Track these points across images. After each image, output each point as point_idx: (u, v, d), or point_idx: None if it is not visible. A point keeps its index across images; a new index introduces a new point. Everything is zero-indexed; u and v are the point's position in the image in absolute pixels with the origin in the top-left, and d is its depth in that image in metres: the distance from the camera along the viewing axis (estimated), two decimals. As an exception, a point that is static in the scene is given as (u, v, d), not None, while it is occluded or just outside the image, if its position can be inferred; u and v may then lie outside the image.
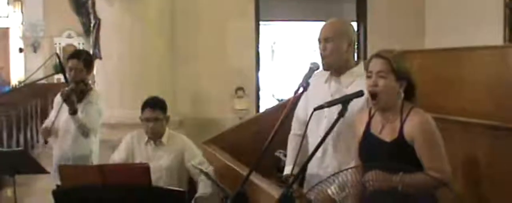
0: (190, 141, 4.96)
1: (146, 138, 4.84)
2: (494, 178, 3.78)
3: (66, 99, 4.89)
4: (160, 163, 4.73)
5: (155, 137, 4.80)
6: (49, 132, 5.10)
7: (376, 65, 3.11)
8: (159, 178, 4.65)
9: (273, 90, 14.40)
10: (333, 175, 2.80)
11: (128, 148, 4.87)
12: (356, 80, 3.51)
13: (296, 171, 3.46)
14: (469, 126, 4.06)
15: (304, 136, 3.42)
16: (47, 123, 5.23)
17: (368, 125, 3.21)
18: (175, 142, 4.86)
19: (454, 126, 4.04)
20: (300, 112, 3.80)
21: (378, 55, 3.14)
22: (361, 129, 3.25)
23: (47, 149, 5.16)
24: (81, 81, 5.10)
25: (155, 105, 4.80)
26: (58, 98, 5.20)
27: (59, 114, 5.10)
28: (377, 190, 2.89)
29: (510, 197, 3.68)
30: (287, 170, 3.79)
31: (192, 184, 4.84)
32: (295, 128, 3.89)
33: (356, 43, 3.73)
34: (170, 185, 4.50)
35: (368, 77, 3.13)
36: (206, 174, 4.25)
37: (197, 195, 4.65)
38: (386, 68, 3.07)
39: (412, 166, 2.98)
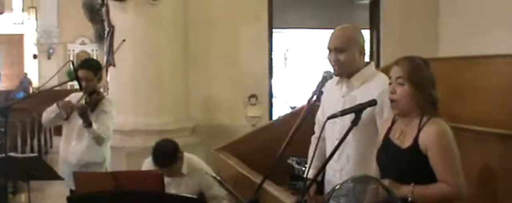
0: (208, 168, 4.91)
1: None
2: (509, 187, 3.76)
3: (82, 113, 4.90)
4: (178, 191, 4.72)
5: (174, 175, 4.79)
6: (72, 108, 5.00)
7: (395, 72, 3.12)
8: None
9: (286, 98, 14.39)
10: (342, 184, 2.78)
11: None
12: (367, 82, 3.54)
13: (312, 174, 3.54)
14: (483, 135, 4.04)
15: (319, 140, 3.50)
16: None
17: (389, 130, 3.22)
18: (194, 171, 4.79)
19: (468, 135, 4.03)
20: (319, 115, 3.83)
21: (396, 62, 3.15)
22: (383, 134, 3.25)
23: (56, 154, 5.12)
24: (93, 91, 5.12)
25: (164, 163, 4.63)
26: (69, 98, 5.21)
27: (72, 119, 5.12)
28: (387, 199, 2.87)
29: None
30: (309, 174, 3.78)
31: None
32: (316, 131, 3.91)
33: (368, 51, 3.74)
34: None
35: (390, 83, 3.15)
36: (220, 182, 4.25)
37: None
38: (404, 76, 3.08)
39: (426, 174, 2.98)
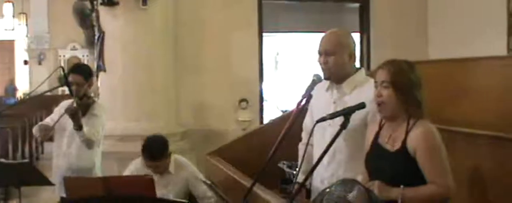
0: (196, 170, 4.97)
1: None
2: (500, 189, 3.77)
3: (72, 116, 4.90)
4: (166, 191, 4.74)
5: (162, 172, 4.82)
6: (47, 132, 5.04)
7: (380, 75, 3.13)
8: None
9: (277, 101, 14.38)
10: (329, 187, 2.78)
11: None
12: (358, 87, 3.53)
13: (301, 179, 3.49)
14: (475, 137, 4.04)
15: (307, 145, 3.47)
16: (48, 121, 5.20)
17: (377, 134, 3.22)
18: (181, 170, 4.86)
19: (459, 137, 4.03)
20: (307, 121, 3.82)
21: (381, 66, 3.16)
22: (370, 139, 3.25)
23: (47, 160, 5.12)
24: (84, 95, 5.12)
25: (155, 156, 4.73)
26: (60, 107, 5.21)
27: (63, 124, 5.12)
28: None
29: (515, 208, 3.67)
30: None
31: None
32: (304, 137, 3.90)
33: (358, 54, 3.74)
34: None
35: (375, 87, 3.15)
36: (210, 186, 4.24)
37: None
38: (388, 79, 3.08)
39: (415, 177, 2.99)
